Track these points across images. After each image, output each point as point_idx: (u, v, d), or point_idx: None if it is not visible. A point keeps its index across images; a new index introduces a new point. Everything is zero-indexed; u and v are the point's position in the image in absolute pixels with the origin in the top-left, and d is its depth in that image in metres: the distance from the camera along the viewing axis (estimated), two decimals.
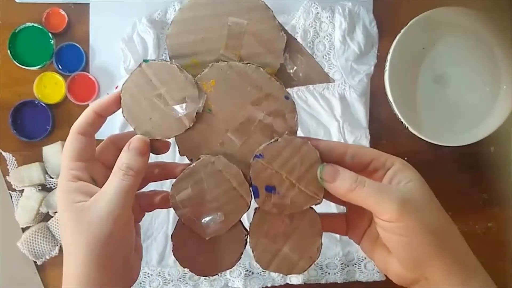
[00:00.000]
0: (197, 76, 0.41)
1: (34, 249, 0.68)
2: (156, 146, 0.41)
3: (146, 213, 0.53)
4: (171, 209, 0.67)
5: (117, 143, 0.41)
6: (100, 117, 0.41)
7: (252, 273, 0.69)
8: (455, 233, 0.40)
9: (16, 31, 0.70)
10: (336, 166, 0.39)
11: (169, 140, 0.42)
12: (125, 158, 0.38)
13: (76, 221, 0.36)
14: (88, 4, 0.71)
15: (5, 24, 0.71)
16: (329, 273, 0.70)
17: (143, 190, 0.45)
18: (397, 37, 0.68)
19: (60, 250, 0.70)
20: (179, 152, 0.42)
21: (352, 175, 0.38)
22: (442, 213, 0.39)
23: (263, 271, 0.69)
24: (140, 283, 0.68)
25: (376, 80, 0.71)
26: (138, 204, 0.43)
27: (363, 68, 0.70)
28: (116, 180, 0.37)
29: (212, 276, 0.43)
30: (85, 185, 0.38)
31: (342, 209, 0.46)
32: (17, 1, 0.71)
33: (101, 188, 0.38)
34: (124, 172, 0.37)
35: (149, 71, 0.40)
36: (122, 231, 0.37)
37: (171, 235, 0.42)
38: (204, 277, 0.69)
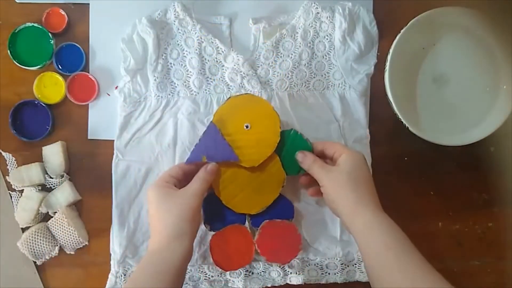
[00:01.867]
0: None
1: (34, 249, 0.68)
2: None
3: (145, 213, 0.70)
4: None
5: (185, 170, 0.65)
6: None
7: (252, 273, 0.69)
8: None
9: (16, 31, 0.70)
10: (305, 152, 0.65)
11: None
12: (203, 174, 0.63)
13: (167, 199, 0.60)
14: (88, 4, 0.71)
15: (5, 24, 0.71)
16: (329, 273, 0.70)
17: None
18: (397, 37, 0.68)
19: (60, 250, 0.70)
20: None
21: (312, 156, 0.65)
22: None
23: (263, 271, 0.69)
24: None
25: (376, 80, 0.71)
26: None
27: (363, 68, 0.70)
28: (197, 182, 0.62)
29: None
30: (171, 185, 0.63)
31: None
32: (17, 1, 0.71)
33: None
34: (202, 180, 0.63)
35: None
36: (198, 205, 0.62)
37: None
38: (211, 276, 0.70)
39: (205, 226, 0.67)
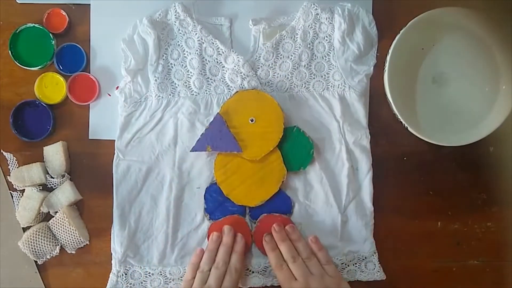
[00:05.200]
0: None
1: (35, 248, 0.69)
2: None
3: (146, 213, 0.70)
4: (171, 208, 0.68)
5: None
6: None
7: (252, 272, 0.70)
8: None
9: (17, 31, 0.70)
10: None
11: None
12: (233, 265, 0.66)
13: None
14: (89, 4, 0.71)
15: (6, 25, 0.71)
16: None
17: None
18: (397, 38, 0.68)
19: (61, 249, 0.70)
20: None
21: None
22: None
23: (263, 270, 0.70)
24: (141, 283, 0.69)
25: (375, 80, 0.71)
26: None
27: (362, 68, 0.70)
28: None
29: None
30: None
31: None
32: (18, 2, 0.71)
33: None
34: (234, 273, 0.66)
35: None
36: None
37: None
38: None
39: (205, 215, 0.69)
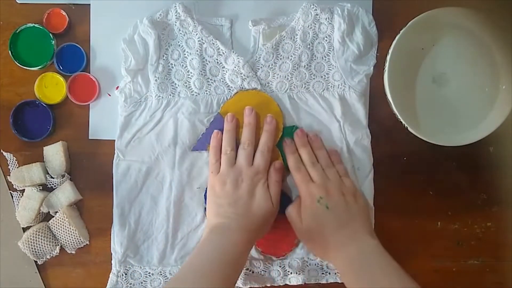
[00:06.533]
0: None
1: (35, 248, 0.69)
2: None
3: (146, 213, 0.69)
4: (171, 208, 0.68)
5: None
6: None
7: (252, 272, 0.70)
8: None
9: (17, 31, 0.70)
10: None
11: None
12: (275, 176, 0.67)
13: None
14: (89, 4, 0.71)
15: (6, 25, 0.71)
16: (329, 273, 0.70)
17: None
18: (397, 38, 0.68)
19: (61, 249, 0.70)
20: None
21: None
22: None
23: (263, 271, 0.70)
24: (141, 283, 0.69)
25: (375, 80, 0.71)
26: None
27: (362, 68, 0.70)
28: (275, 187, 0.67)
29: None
30: None
31: None
32: (18, 2, 0.71)
33: None
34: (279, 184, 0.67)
35: None
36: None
37: None
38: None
39: (205, 215, 0.68)
